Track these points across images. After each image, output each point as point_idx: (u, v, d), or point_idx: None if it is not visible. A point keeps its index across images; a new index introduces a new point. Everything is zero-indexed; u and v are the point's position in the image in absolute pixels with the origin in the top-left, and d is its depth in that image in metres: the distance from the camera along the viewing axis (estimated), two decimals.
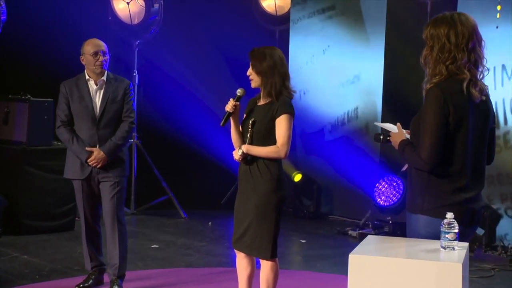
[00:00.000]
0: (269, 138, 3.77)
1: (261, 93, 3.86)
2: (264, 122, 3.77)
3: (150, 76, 7.82)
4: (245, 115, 3.92)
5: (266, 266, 3.88)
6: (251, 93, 3.99)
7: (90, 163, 4.51)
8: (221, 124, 3.86)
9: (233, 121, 3.86)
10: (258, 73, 3.79)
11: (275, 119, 3.76)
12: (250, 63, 3.84)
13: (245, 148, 3.80)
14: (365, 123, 7.36)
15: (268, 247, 3.81)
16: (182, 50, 7.94)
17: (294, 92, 3.89)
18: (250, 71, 3.83)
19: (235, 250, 4.01)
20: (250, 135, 3.81)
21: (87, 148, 4.52)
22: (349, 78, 7.50)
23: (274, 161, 3.80)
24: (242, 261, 3.98)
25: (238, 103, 3.83)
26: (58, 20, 7.07)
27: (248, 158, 3.81)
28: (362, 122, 7.40)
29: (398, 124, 3.09)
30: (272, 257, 3.85)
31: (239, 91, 3.86)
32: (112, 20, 7.40)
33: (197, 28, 8.11)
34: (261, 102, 3.85)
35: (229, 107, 3.83)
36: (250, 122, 3.80)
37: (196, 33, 8.09)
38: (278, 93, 3.78)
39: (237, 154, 3.82)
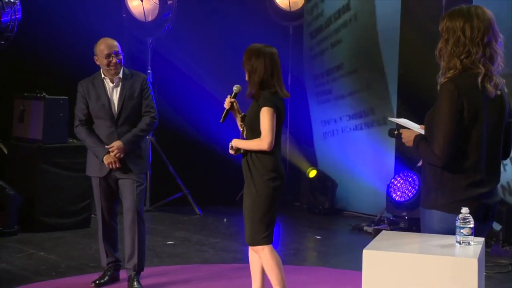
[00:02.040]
0: (256, 132, 3.90)
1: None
2: (251, 116, 3.93)
3: (164, 73, 7.83)
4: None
5: (261, 255, 3.95)
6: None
7: (110, 151, 4.50)
8: (220, 121, 4.06)
9: (236, 117, 4.06)
10: (245, 70, 3.96)
11: (259, 113, 3.88)
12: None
13: (234, 142, 3.97)
14: (380, 118, 7.32)
15: (258, 235, 3.89)
16: (196, 47, 7.95)
17: (281, 93, 3.94)
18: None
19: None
20: (242, 129, 4.01)
21: (107, 146, 4.53)
22: (365, 75, 7.47)
23: (267, 154, 3.89)
24: (253, 254, 4.06)
25: (234, 99, 4.01)
26: (72, 18, 7.10)
27: (241, 152, 3.95)
28: (377, 117, 7.36)
29: (422, 126, 3.05)
30: (264, 243, 3.90)
31: (235, 88, 4.04)
32: (126, 18, 7.42)
33: (211, 25, 8.11)
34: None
35: (226, 103, 4.01)
36: (241, 117, 4.01)
37: (210, 29, 8.09)
38: (255, 92, 3.91)
39: (230, 149, 3.99)
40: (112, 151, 4.49)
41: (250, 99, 4.01)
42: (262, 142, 3.85)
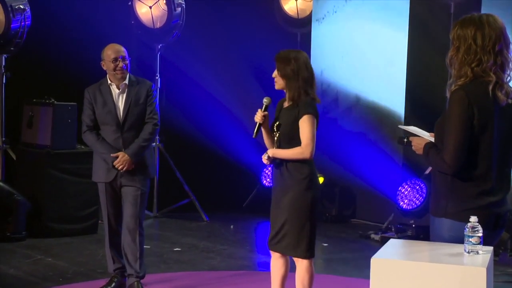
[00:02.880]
0: (294, 140, 3.82)
1: (286, 96, 3.92)
2: (288, 124, 3.83)
3: (173, 79, 7.85)
4: (275, 117, 3.98)
5: (301, 266, 3.90)
6: (278, 96, 4.02)
7: (116, 166, 4.54)
8: (253, 136, 3.93)
9: (264, 129, 3.94)
10: (282, 76, 3.84)
11: (299, 120, 3.80)
12: (276, 66, 3.88)
13: (271, 152, 3.87)
14: (387, 126, 7.31)
15: (303, 246, 3.84)
16: (204, 54, 7.97)
17: (317, 99, 3.91)
18: (275, 73, 3.89)
19: (270, 251, 4.03)
20: (276, 138, 3.89)
21: (112, 155, 4.55)
22: (371, 80, 7.46)
23: (304, 162, 3.83)
24: (276, 262, 4.00)
25: (266, 112, 3.90)
26: (81, 24, 7.14)
27: (276, 161, 3.86)
28: (385, 125, 7.35)
29: (431, 133, 3.04)
30: (307, 256, 3.87)
31: (265, 101, 3.93)
32: (135, 24, 7.45)
33: (219, 32, 8.13)
34: (286, 104, 3.92)
35: (258, 118, 3.89)
36: (276, 125, 3.88)
37: (218, 36, 8.11)
38: (299, 97, 3.82)
39: (265, 159, 3.88)
40: (116, 164, 4.52)
41: (277, 103, 3.94)
42: (304, 151, 3.78)
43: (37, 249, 5.94)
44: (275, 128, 3.88)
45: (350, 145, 7.59)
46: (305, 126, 3.78)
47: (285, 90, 3.89)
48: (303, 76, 3.81)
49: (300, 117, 3.79)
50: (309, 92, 3.83)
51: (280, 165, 3.87)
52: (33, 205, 6.25)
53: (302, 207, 3.83)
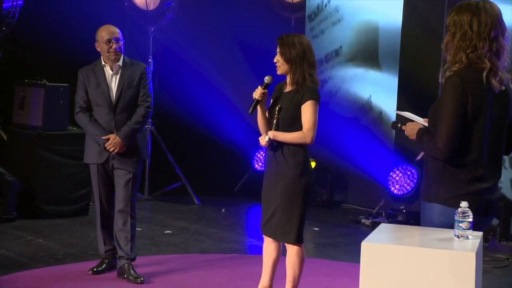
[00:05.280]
0: (294, 125, 3.81)
1: (288, 80, 3.89)
2: (290, 108, 3.81)
3: (166, 62, 7.82)
4: (272, 101, 3.94)
5: (292, 251, 3.91)
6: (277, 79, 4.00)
7: (107, 148, 4.53)
8: (249, 112, 3.90)
9: (260, 108, 3.89)
10: (287, 60, 3.81)
11: (301, 105, 3.79)
12: (278, 51, 3.85)
13: (272, 134, 3.84)
14: (379, 112, 7.32)
15: (293, 232, 3.85)
16: (198, 37, 7.93)
17: (317, 82, 3.89)
18: (277, 58, 3.86)
19: (263, 235, 4.04)
20: (276, 121, 3.85)
21: (104, 137, 4.54)
22: (364, 66, 7.46)
23: (300, 147, 3.83)
24: (269, 246, 4.02)
25: (266, 90, 3.86)
26: (74, 5, 7.09)
27: (274, 144, 3.84)
28: (376, 110, 7.36)
29: (425, 119, 3.04)
30: (297, 241, 3.89)
31: (266, 79, 3.89)
32: (128, 6, 7.40)
33: (213, 15, 8.09)
34: (288, 88, 3.89)
35: (257, 94, 3.85)
36: (277, 108, 3.84)
37: (212, 19, 8.07)
38: (304, 80, 3.81)
39: (263, 140, 3.86)
40: (107, 146, 4.51)
41: (275, 87, 3.92)
42: (306, 135, 3.77)
43: (28, 230, 5.94)
44: (276, 112, 3.84)
45: (341, 130, 7.60)
46: (308, 111, 3.77)
47: (288, 75, 3.86)
48: (309, 60, 3.79)
49: (303, 103, 3.78)
50: (312, 75, 3.81)
51: (276, 149, 3.85)
52: (24, 186, 6.24)
53: (295, 193, 3.83)
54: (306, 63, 3.79)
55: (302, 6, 8.03)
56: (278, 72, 3.88)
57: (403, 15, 7.02)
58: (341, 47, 7.63)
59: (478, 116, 2.85)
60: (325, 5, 7.77)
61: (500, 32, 2.86)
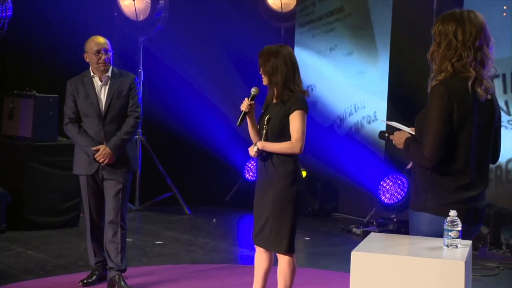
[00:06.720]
0: (283, 135, 3.82)
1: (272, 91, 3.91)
2: (278, 119, 3.82)
3: (156, 72, 7.82)
4: (262, 111, 3.96)
5: (283, 261, 3.92)
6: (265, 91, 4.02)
7: (97, 159, 4.52)
8: (237, 124, 3.91)
9: (249, 119, 3.92)
10: (263, 72, 3.86)
11: (289, 115, 3.80)
12: (259, 63, 3.89)
13: (260, 144, 3.85)
14: (370, 121, 7.34)
15: (284, 242, 3.85)
16: (188, 47, 7.95)
17: (306, 92, 3.90)
18: (261, 70, 3.90)
19: (254, 245, 4.04)
20: (265, 132, 3.87)
21: (93, 148, 4.53)
22: (354, 74, 7.49)
23: (289, 157, 3.84)
24: (260, 256, 4.02)
25: (253, 102, 3.88)
26: (64, 16, 7.08)
27: (263, 154, 3.86)
28: (366, 119, 7.38)
29: (412, 128, 3.06)
30: (288, 251, 3.89)
31: (253, 90, 3.90)
32: (118, 17, 7.40)
33: (203, 25, 8.11)
34: (274, 100, 3.90)
35: (244, 106, 3.87)
36: (266, 119, 3.86)
37: (202, 29, 8.09)
38: (281, 93, 3.82)
39: (252, 151, 3.87)
40: (97, 157, 4.50)
41: (266, 97, 3.92)
42: (294, 145, 3.78)
43: (17, 241, 5.90)
44: (265, 122, 3.86)
45: (332, 139, 7.61)
46: (296, 121, 3.79)
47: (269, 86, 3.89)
48: (282, 72, 3.80)
49: (291, 112, 3.79)
50: (291, 88, 3.82)
51: (266, 159, 3.86)
52: (13, 198, 6.20)
53: (286, 202, 3.84)
54: (279, 76, 3.80)
55: (292, 15, 8.06)
56: (264, 83, 3.91)
57: (392, 24, 7.06)
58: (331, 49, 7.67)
59: (464, 124, 2.87)
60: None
61: (485, 41, 2.89)
